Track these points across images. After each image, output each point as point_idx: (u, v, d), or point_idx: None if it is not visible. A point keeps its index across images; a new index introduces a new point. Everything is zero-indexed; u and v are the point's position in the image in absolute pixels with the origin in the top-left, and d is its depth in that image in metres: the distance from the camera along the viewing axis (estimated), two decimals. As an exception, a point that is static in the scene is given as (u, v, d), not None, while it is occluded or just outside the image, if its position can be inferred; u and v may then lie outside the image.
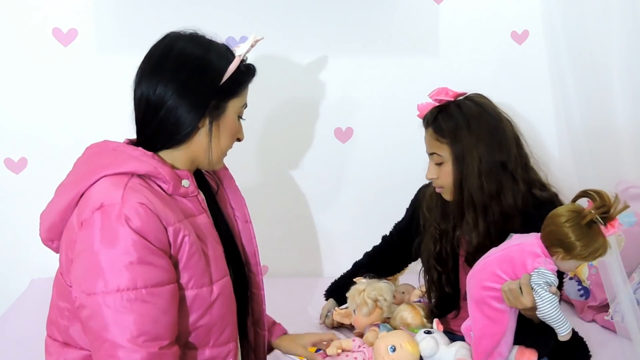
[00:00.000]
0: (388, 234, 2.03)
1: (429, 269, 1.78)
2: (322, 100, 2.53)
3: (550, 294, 1.41)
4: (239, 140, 1.41)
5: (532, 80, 2.50)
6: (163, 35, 1.34)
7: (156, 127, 1.29)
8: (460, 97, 1.67)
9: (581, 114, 1.95)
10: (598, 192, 1.41)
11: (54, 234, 1.29)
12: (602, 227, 1.39)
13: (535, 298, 1.41)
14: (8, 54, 2.36)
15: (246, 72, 1.35)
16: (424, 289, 1.89)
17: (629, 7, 2.15)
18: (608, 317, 2.04)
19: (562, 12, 2.01)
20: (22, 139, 2.42)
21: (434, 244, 1.74)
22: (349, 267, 2.13)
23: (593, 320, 2.12)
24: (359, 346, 1.66)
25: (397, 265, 2.07)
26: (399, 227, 1.99)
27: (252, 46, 1.35)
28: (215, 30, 1.37)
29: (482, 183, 1.59)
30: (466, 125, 1.61)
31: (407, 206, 1.93)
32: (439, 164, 1.65)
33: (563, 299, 2.06)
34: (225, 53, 1.32)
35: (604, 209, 1.39)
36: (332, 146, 2.56)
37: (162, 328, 1.18)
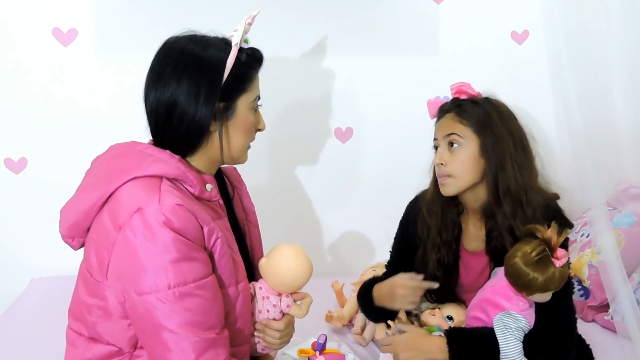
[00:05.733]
0: (386, 263, 1.88)
1: (430, 277, 1.70)
2: (322, 100, 2.53)
3: (517, 340, 1.46)
4: (259, 130, 1.41)
5: (532, 80, 2.50)
6: (161, 44, 1.33)
7: (171, 136, 1.30)
8: (480, 97, 1.64)
9: (581, 114, 1.95)
10: (538, 228, 1.45)
11: (76, 231, 1.31)
12: (552, 258, 1.43)
13: (500, 340, 1.46)
14: (8, 54, 2.36)
15: (248, 63, 1.34)
16: None
17: (629, 7, 2.15)
18: (608, 317, 2.04)
19: (562, 12, 2.01)
20: (22, 139, 2.42)
21: (434, 252, 1.69)
22: (348, 265, 2.12)
23: (593, 320, 2.12)
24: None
25: None
26: (398, 246, 1.84)
27: (248, 24, 1.33)
28: (215, 30, 1.36)
29: (516, 175, 1.57)
30: (498, 117, 1.58)
31: (400, 219, 1.84)
32: (454, 148, 1.58)
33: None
34: (223, 47, 1.31)
35: (547, 243, 1.43)
36: (332, 146, 2.56)
37: (214, 317, 1.22)
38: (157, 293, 1.18)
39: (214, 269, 1.27)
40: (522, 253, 1.44)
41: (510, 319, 1.48)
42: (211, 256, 1.27)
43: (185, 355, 1.18)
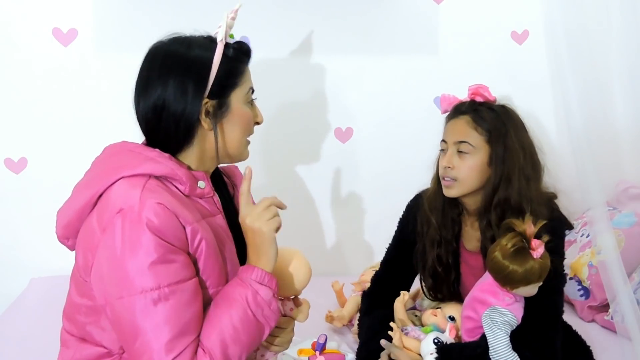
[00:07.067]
0: (381, 260, 1.87)
1: (429, 274, 1.73)
2: (322, 100, 2.53)
3: (505, 334, 1.46)
4: (258, 123, 1.40)
5: (532, 80, 2.50)
6: (147, 50, 1.33)
7: (164, 135, 1.29)
8: (496, 103, 1.64)
9: (581, 114, 1.95)
10: (514, 222, 1.46)
11: (70, 232, 1.30)
12: (530, 250, 1.44)
13: (489, 336, 1.47)
14: (8, 54, 2.36)
15: (236, 57, 1.32)
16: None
17: (629, 7, 2.15)
18: (608, 317, 2.04)
19: (562, 12, 2.01)
20: (22, 139, 2.42)
21: (434, 248, 1.70)
22: (349, 265, 2.10)
23: (593, 320, 2.12)
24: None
25: (406, 282, 1.84)
26: (396, 244, 1.84)
27: (232, 19, 1.32)
28: (200, 30, 1.35)
29: (522, 187, 1.57)
30: (513, 129, 1.59)
31: (400, 217, 1.85)
32: (462, 154, 1.59)
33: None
34: (209, 44, 1.30)
35: (523, 235, 1.44)
36: (332, 146, 2.56)
37: (188, 321, 1.20)
38: (133, 296, 1.17)
39: (198, 271, 1.25)
40: (500, 247, 1.46)
41: (496, 313, 1.48)
42: (196, 260, 1.25)
43: (159, 358, 1.16)
